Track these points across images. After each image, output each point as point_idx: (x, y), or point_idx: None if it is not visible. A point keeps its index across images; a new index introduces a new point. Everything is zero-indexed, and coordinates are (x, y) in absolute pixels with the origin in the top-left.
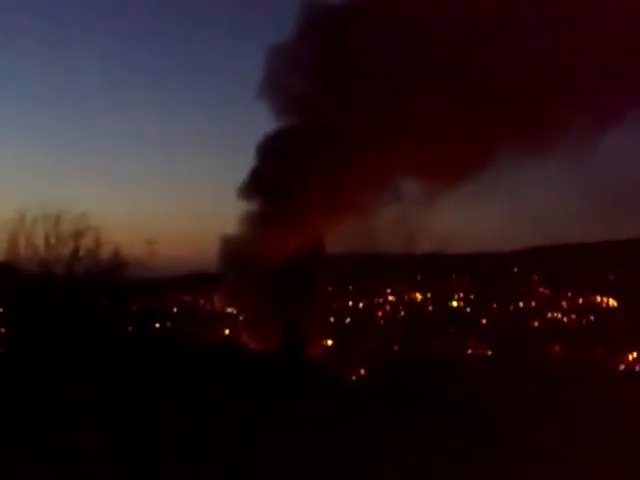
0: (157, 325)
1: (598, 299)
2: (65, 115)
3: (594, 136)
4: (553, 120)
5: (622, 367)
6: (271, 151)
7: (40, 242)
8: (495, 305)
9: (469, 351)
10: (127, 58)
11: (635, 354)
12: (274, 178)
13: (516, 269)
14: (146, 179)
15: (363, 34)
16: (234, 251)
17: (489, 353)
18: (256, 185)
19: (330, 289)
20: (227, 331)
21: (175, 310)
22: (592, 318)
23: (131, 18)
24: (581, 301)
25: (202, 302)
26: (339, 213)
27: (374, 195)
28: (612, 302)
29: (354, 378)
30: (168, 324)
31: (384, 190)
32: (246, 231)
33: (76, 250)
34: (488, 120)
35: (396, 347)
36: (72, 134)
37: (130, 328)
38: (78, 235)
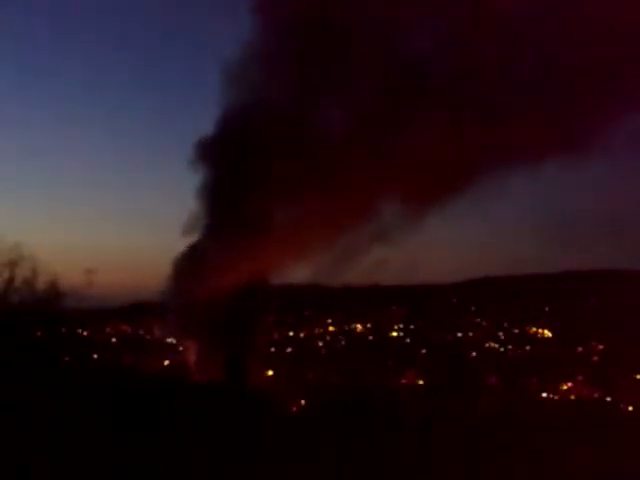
0: (95, 356)
1: (534, 330)
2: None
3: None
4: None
5: (557, 397)
6: (224, 164)
7: None
8: (434, 336)
9: (408, 381)
10: (74, 92)
11: (570, 384)
12: (229, 199)
13: (455, 300)
14: (84, 208)
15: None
16: (182, 277)
17: (426, 383)
18: (207, 198)
19: (271, 319)
20: (167, 361)
21: (114, 340)
22: (528, 348)
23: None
24: (517, 332)
25: (142, 332)
26: (297, 241)
27: (341, 224)
28: (547, 333)
29: (294, 409)
30: (106, 354)
31: (356, 220)
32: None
33: (11, 279)
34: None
35: (336, 378)
36: (7, 162)
37: (66, 358)
38: (13, 264)
